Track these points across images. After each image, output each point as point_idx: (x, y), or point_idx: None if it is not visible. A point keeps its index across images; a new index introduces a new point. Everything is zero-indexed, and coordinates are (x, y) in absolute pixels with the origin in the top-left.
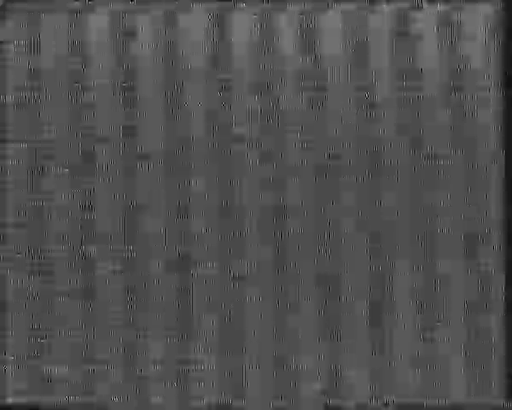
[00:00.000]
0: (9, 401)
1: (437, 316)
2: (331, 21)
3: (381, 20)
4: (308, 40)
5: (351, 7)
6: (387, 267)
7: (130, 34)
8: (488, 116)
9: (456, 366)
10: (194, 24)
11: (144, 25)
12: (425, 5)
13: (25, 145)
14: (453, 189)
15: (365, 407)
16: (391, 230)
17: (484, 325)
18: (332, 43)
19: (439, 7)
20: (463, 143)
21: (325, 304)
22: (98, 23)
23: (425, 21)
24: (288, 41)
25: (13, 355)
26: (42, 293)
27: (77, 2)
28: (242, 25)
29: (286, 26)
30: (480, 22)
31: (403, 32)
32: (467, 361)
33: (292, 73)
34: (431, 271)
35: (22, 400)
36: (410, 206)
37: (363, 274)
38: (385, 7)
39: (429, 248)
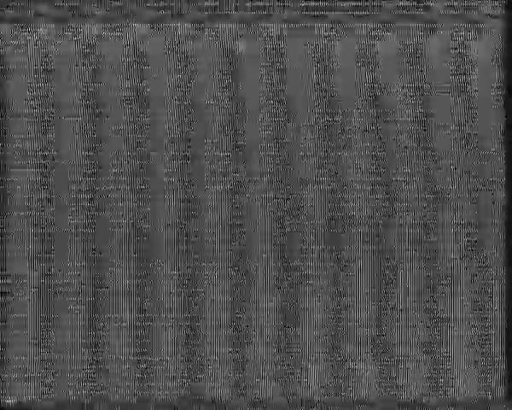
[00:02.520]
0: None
1: (440, 314)
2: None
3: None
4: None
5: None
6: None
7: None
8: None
9: (457, 364)
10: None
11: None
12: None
13: None
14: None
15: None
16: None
17: (485, 324)
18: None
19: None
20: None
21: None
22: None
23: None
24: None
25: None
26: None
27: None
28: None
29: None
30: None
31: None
32: (468, 360)
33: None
34: (434, 268)
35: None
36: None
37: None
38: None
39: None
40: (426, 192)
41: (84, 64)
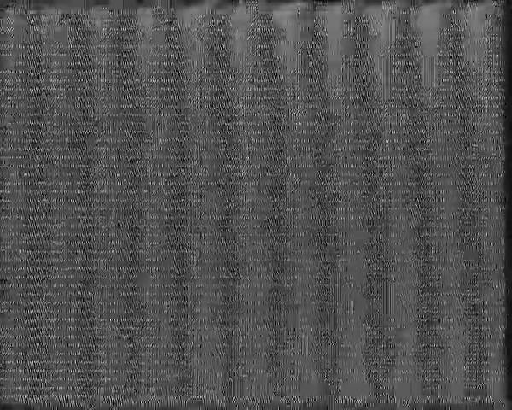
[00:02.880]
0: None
1: (435, 314)
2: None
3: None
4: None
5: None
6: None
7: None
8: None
9: (455, 364)
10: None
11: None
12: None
13: None
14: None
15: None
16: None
17: (483, 323)
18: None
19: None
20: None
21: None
22: None
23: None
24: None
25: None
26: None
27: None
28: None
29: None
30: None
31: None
32: (466, 360)
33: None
34: (428, 267)
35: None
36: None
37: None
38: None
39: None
40: (418, 193)
41: (74, 41)
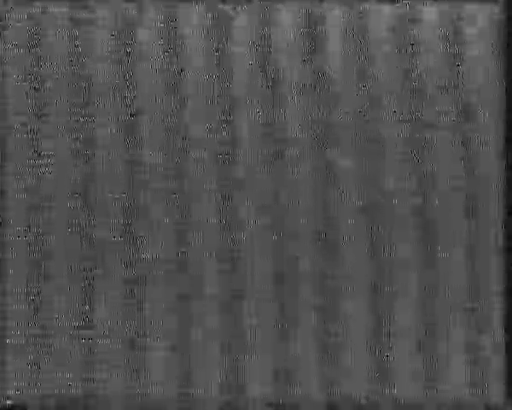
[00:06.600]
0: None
1: (437, 314)
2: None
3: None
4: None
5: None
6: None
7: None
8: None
9: (456, 364)
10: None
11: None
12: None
13: None
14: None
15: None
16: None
17: (484, 325)
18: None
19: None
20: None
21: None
22: None
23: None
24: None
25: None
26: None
27: None
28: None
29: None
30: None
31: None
32: (466, 360)
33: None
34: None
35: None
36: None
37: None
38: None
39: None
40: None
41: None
